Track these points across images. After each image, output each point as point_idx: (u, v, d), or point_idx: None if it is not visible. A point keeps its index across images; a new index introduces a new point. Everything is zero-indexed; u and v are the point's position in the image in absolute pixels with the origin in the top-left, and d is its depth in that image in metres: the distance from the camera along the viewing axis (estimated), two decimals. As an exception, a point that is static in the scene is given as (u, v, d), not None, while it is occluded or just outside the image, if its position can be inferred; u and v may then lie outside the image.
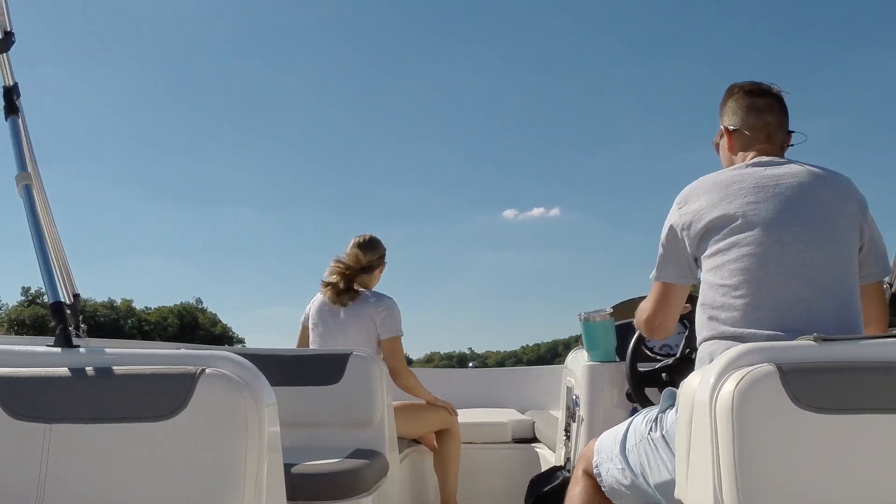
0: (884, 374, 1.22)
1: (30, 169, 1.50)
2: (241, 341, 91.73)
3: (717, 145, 1.80)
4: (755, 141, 1.69)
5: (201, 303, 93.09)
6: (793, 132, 1.72)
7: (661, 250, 1.69)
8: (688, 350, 2.23)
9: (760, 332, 1.46)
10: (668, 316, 1.73)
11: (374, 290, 3.04)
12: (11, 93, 1.60)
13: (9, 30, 1.63)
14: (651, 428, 1.64)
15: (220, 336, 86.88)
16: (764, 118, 1.69)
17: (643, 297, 1.80)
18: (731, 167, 1.65)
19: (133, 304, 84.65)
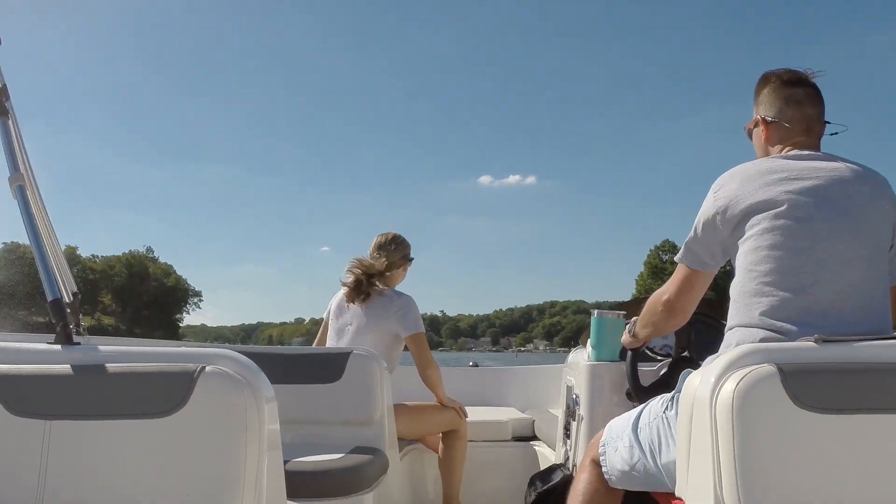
0: (883, 375, 1.22)
1: (23, 170, 1.50)
2: (197, 294, 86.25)
3: (751, 132, 1.78)
4: (794, 133, 1.67)
5: (152, 252, 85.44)
6: (828, 122, 1.70)
7: (692, 234, 1.67)
8: (685, 351, 2.23)
9: (790, 326, 1.45)
10: (689, 300, 1.73)
11: (394, 288, 3.07)
12: (1, 95, 1.59)
13: None
14: (667, 407, 1.64)
15: (172, 288, 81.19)
16: (804, 110, 1.68)
17: (646, 298, 1.80)
18: (770, 157, 1.64)
19: (78, 252, 74.98)
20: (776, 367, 1.20)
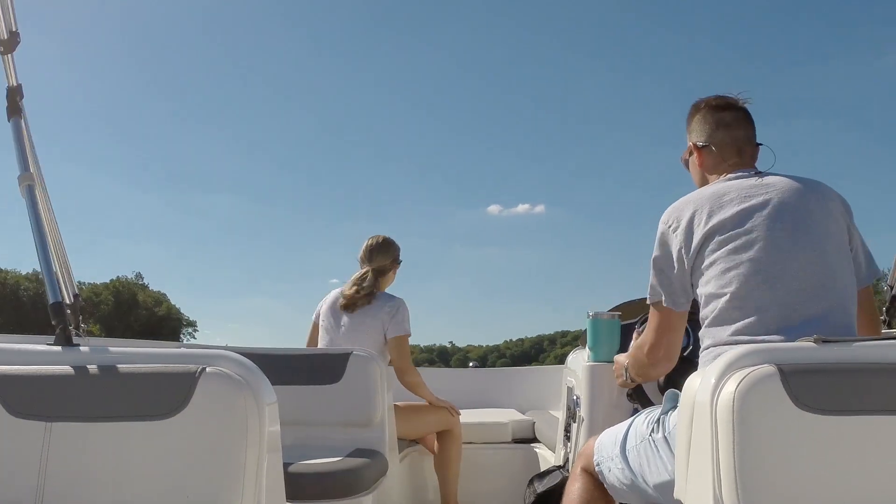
0: (884, 376, 1.22)
1: (32, 169, 1.51)
2: (191, 324, 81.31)
3: (687, 162, 1.81)
4: (726, 156, 1.70)
5: (142, 278, 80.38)
6: (761, 144, 1.73)
7: (657, 276, 1.65)
8: (688, 350, 2.23)
9: (767, 337, 1.46)
10: (672, 342, 1.70)
11: (385, 290, 3.07)
12: (15, 94, 1.60)
13: (14, 29, 1.62)
14: (653, 429, 1.63)
15: (164, 317, 76.54)
16: (733, 133, 1.70)
17: (644, 298, 1.80)
18: (714, 182, 1.65)
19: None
20: (776, 367, 1.20)
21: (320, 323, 3.08)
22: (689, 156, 1.78)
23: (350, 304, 2.98)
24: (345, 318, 2.99)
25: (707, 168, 1.73)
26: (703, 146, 1.73)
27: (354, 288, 2.99)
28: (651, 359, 1.73)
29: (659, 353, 1.71)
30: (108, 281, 77.56)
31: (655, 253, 1.65)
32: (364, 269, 3.05)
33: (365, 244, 3.13)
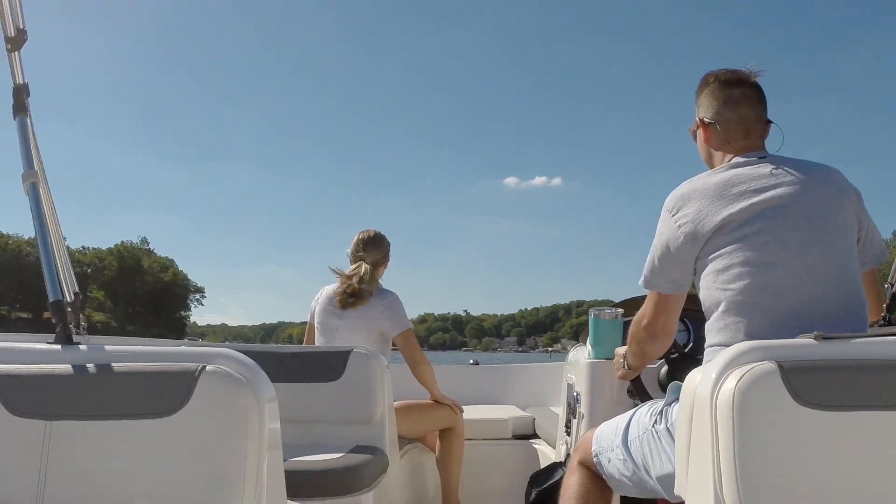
0: (884, 372, 1.22)
1: (36, 167, 1.50)
2: (199, 290, 79.15)
3: (694, 134, 1.78)
4: (733, 137, 1.67)
5: (147, 243, 77.53)
6: (771, 122, 1.69)
7: (655, 259, 1.65)
8: (689, 347, 2.23)
9: (775, 335, 1.44)
10: (669, 320, 1.71)
11: (379, 285, 3.05)
12: (21, 92, 1.59)
13: (22, 27, 1.62)
14: (656, 420, 1.64)
15: (170, 283, 74.24)
16: (740, 111, 1.66)
17: (646, 296, 1.80)
18: (717, 169, 1.63)
19: (66, 244, 72.27)
20: (777, 364, 1.20)
21: (315, 323, 3.06)
22: (696, 129, 1.76)
23: (348, 299, 2.96)
24: (340, 317, 2.97)
25: (713, 145, 1.71)
26: (709, 123, 1.70)
27: (350, 282, 2.97)
28: (648, 333, 1.74)
29: (656, 328, 1.72)
30: (112, 246, 75.09)
31: (658, 240, 1.64)
32: (357, 264, 3.02)
33: (356, 238, 3.10)
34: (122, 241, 76.46)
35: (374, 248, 3.06)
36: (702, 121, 1.72)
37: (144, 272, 73.17)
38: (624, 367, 2.00)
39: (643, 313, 1.75)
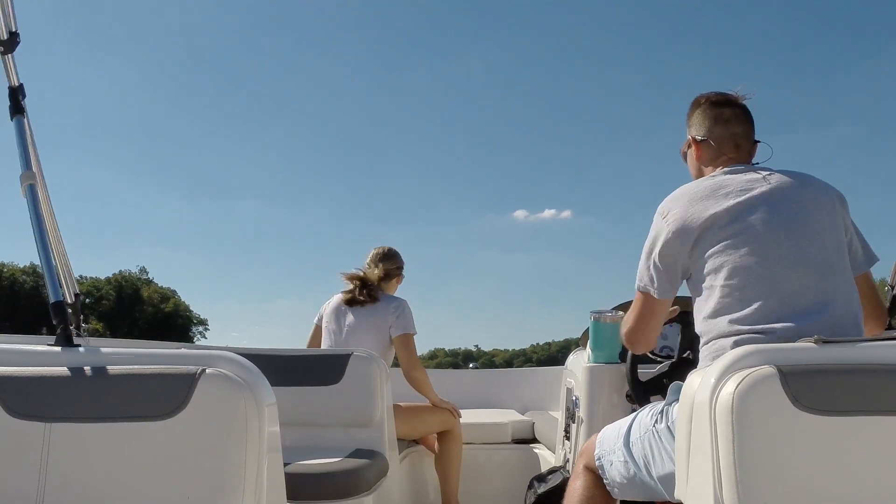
0: (883, 376, 1.22)
1: (34, 168, 1.51)
2: (202, 322, 75.84)
3: (685, 154, 1.84)
4: (723, 151, 1.72)
5: (146, 273, 74.80)
6: (759, 142, 1.75)
7: (646, 262, 1.67)
8: (687, 352, 2.23)
9: (773, 326, 1.47)
10: (651, 328, 1.74)
11: (388, 294, 3.10)
12: (17, 93, 1.60)
13: (14, 30, 1.63)
14: (657, 420, 1.64)
15: (170, 314, 71.25)
16: (731, 129, 1.73)
17: None
18: (709, 175, 1.68)
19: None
20: (776, 368, 1.20)
21: (324, 325, 3.10)
22: (688, 149, 1.81)
23: (358, 297, 3.01)
24: (349, 318, 3.01)
25: (703, 161, 1.76)
26: (701, 140, 1.76)
27: (357, 281, 3.03)
28: (629, 340, 1.79)
29: (637, 335, 1.76)
30: (110, 276, 72.68)
31: (648, 241, 1.67)
32: (371, 268, 3.10)
33: (372, 253, 3.19)
34: (121, 271, 74.22)
35: (388, 261, 3.15)
36: (693, 139, 1.78)
37: (144, 302, 71.11)
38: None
39: (626, 319, 1.79)
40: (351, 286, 3.06)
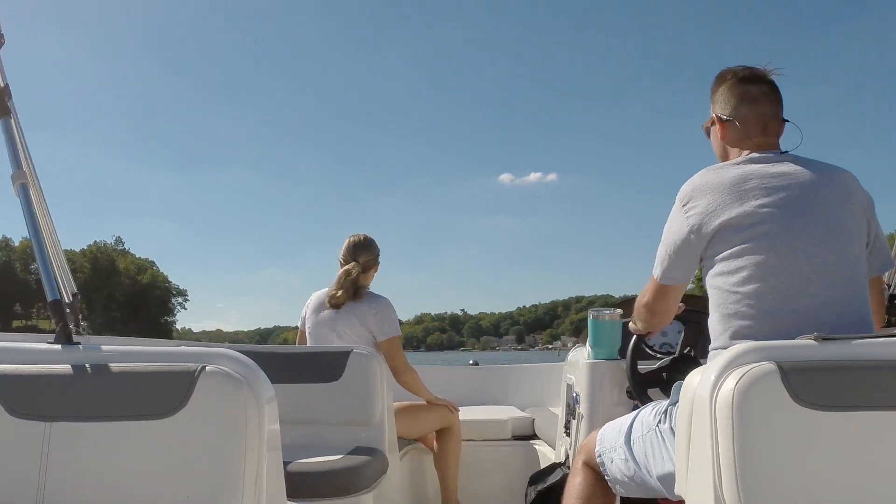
0: (883, 373, 1.22)
1: (25, 168, 1.50)
2: (182, 293, 73.59)
3: (708, 130, 1.77)
4: (750, 133, 1.65)
5: (122, 243, 71.61)
6: (787, 121, 1.68)
7: (664, 249, 1.65)
8: (687, 349, 2.23)
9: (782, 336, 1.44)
10: (667, 306, 1.75)
11: (369, 290, 3.05)
12: (3, 94, 1.59)
13: None
14: (660, 420, 1.64)
15: (148, 285, 68.92)
16: (758, 108, 1.65)
17: None
18: (733, 162, 1.62)
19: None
20: (776, 364, 1.20)
21: (306, 327, 3.05)
22: (711, 125, 1.74)
23: (338, 302, 2.96)
24: (331, 318, 2.96)
25: (729, 142, 1.69)
26: (726, 120, 1.68)
27: (341, 285, 2.97)
28: (648, 310, 1.79)
29: (655, 308, 1.77)
30: (84, 248, 69.55)
31: (666, 229, 1.65)
32: (349, 265, 3.03)
33: (347, 242, 3.11)
34: (95, 242, 71.76)
35: (364, 251, 3.07)
36: (718, 117, 1.71)
37: (120, 274, 68.17)
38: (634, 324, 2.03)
39: (644, 292, 1.79)
40: (335, 287, 2.98)
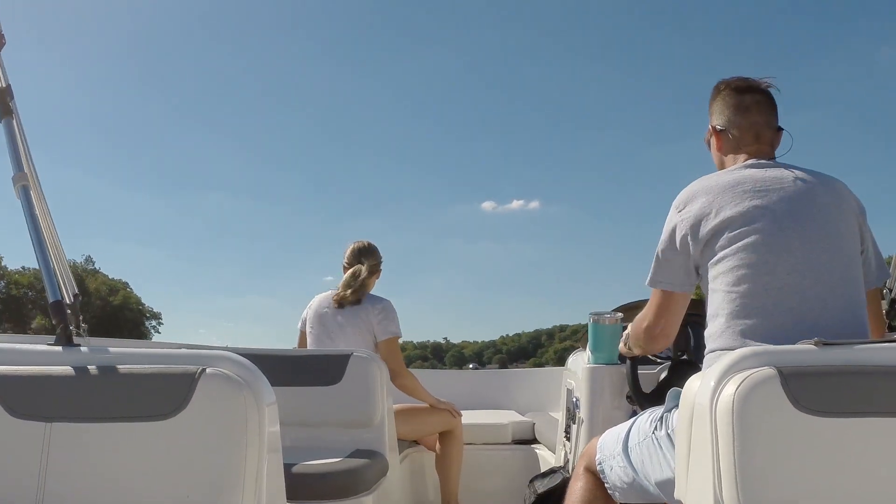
0: (884, 378, 1.22)
1: (26, 169, 1.50)
2: (155, 316, 70.54)
3: (708, 142, 1.79)
4: (744, 142, 1.67)
5: (92, 262, 69.00)
6: (782, 129, 1.70)
7: (660, 256, 1.65)
8: (689, 353, 2.23)
9: (777, 340, 1.44)
10: (670, 322, 1.70)
11: (370, 293, 3.05)
12: (4, 94, 1.59)
13: None
14: (656, 427, 1.64)
15: (119, 307, 66.01)
16: (751, 118, 1.68)
17: (646, 300, 1.80)
18: (729, 169, 1.64)
19: (3, 263, 57.88)
20: (776, 370, 1.20)
21: (307, 329, 3.05)
22: (710, 137, 1.76)
23: (345, 301, 2.96)
24: (333, 320, 2.96)
25: (724, 152, 1.72)
26: (721, 130, 1.71)
27: (349, 284, 2.98)
28: (648, 335, 1.75)
29: (656, 331, 1.72)
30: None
31: (663, 234, 1.64)
32: (356, 267, 3.03)
33: (350, 248, 3.12)
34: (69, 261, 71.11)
35: (369, 256, 3.09)
36: (714, 128, 1.73)
37: (90, 294, 64.35)
38: (626, 346, 2.01)
39: (644, 315, 1.75)
40: (341, 289, 2.98)
